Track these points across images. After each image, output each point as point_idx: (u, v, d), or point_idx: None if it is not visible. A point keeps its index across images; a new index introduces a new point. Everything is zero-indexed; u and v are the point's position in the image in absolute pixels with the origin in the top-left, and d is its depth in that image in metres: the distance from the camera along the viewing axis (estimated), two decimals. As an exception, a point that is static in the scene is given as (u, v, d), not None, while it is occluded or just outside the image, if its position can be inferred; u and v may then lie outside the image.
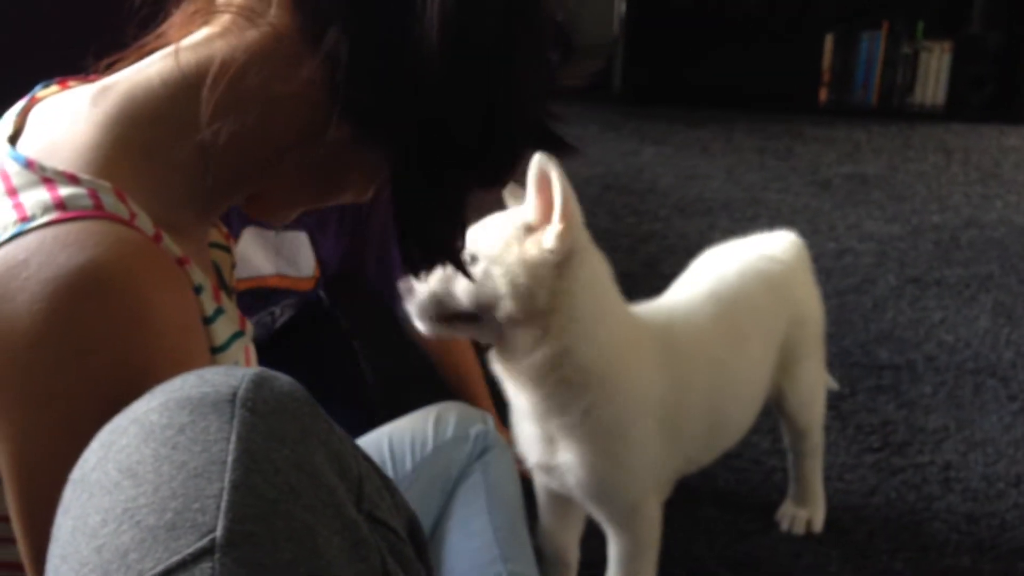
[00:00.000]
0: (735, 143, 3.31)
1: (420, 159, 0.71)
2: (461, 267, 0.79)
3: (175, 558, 0.45)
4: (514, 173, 0.78)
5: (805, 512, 1.49)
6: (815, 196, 2.86)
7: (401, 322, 1.45)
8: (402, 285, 1.08)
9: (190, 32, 0.72)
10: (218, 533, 0.46)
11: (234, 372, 0.53)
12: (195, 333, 0.68)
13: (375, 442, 1.24)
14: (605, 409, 1.12)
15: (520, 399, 1.15)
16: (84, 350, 0.60)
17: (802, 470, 1.49)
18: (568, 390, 1.11)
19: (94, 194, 0.64)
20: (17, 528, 0.64)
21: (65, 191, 0.64)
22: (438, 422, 1.28)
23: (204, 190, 0.72)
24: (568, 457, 1.15)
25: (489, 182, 0.77)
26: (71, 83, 0.77)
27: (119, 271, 0.62)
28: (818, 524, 1.48)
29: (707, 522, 1.50)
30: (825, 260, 2.42)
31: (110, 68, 0.74)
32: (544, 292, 1.08)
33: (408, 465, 1.23)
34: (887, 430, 1.74)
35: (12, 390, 0.61)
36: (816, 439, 1.47)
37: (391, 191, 0.73)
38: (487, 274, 1.07)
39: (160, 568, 0.45)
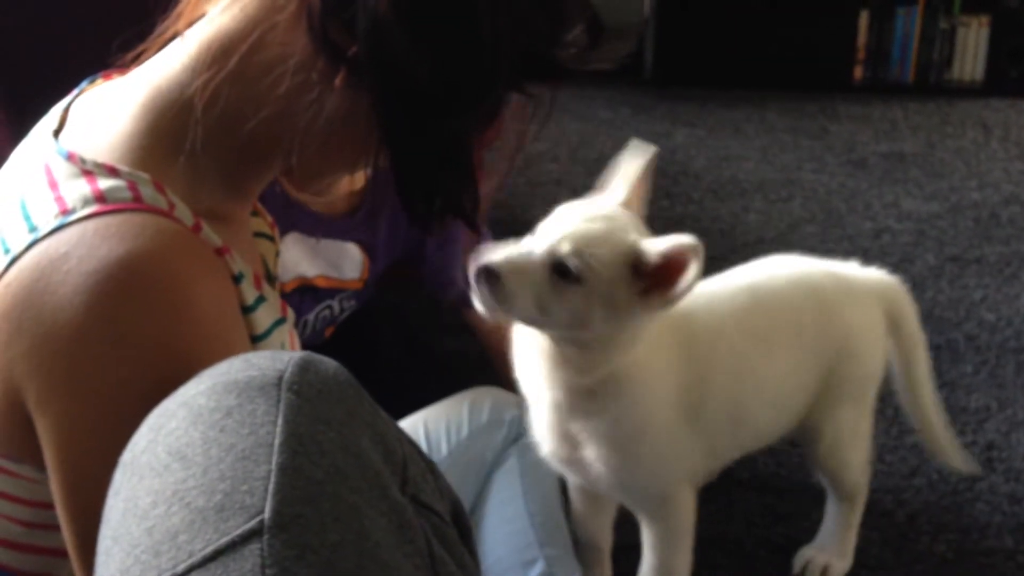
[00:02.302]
0: (768, 123, 3.27)
1: (397, 105, 0.69)
2: (469, 222, 0.76)
3: (224, 539, 0.46)
4: (501, 114, 0.75)
5: (824, 557, 1.35)
6: (851, 175, 2.82)
7: (457, 305, 1.45)
8: (476, 269, 1.01)
9: (203, 13, 0.73)
10: (266, 515, 0.46)
11: (280, 356, 0.53)
12: (234, 322, 0.69)
13: (411, 427, 1.25)
14: (630, 412, 1.10)
15: (542, 393, 1.12)
16: (125, 341, 0.62)
17: (837, 513, 1.36)
18: (598, 398, 1.08)
19: (133, 186, 0.66)
20: (62, 515, 0.64)
21: (105, 184, 0.65)
22: (473, 407, 1.28)
23: (232, 171, 0.73)
24: (590, 454, 1.12)
25: (476, 126, 0.75)
26: (114, 76, 0.79)
27: (158, 263, 0.63)
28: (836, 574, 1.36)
29: (745, 504, 1.49)
30: (862, 240, 2.39)
31: (138, 59, 0.75)
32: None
33: (444, 450, 1.23)
34: (928, 411, 1.71)
35: (56, 381, 0.62)
36: (851, 490, 1.35)
37: (382, 141, 0.71)
38: (588, 299, 1.00)
39: (210, 549, 0.45)
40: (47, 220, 0.64)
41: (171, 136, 0.69)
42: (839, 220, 2.52)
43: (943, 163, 2.89)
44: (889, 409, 1.71)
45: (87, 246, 0.62)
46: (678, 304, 1.01)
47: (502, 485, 1.23)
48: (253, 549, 0.45)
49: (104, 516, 0.51)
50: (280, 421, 0.49)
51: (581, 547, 1.27)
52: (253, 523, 0.46)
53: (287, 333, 0.80)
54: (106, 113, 0.71)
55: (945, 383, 1.79)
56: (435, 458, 1.20)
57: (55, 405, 0.62)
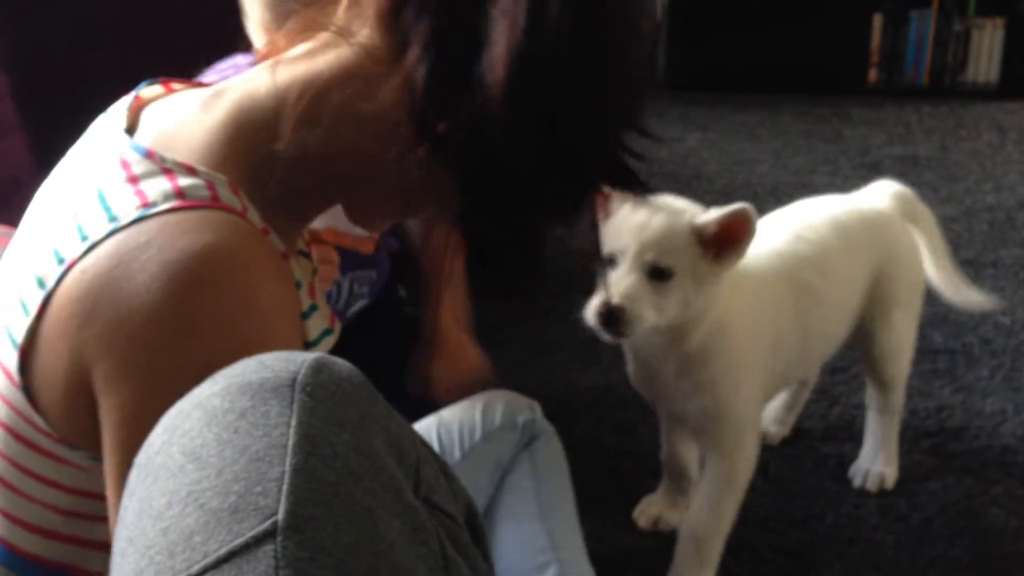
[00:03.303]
0: (782, 126, 3.26)
1: (485, 189, 0.73)
2: (529, 299, 0.82)
3: (238, 540, 0.46)
4: (585, 210, 0.79)
5: (879, 469, 1.53)
6: (865, 179, 2.77)
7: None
8: (600, 313, 1.16)
9: (294, 46, 0.76)
10: (280, 516, 0.46)
11: (294, 357, 0.54)
12: (295, 324, 0.72)
13: (424, 430, 1.25)
14: (727, 369, 1.25)
15: (650, 363, 1.28)
16: (197, 330, 0.64)
17: (879, 426, 1.54)
18: (698, 360, 1.24)
19: (211, 186, 0.68)
20: (112, 498, 0.66)
21: (184, 181, 0.68)
22: (486, 411, 1.28)
23: (297, 199, 0.76)
24: (693, 405, 1.27)
25: (558, 217, 0.79)
26: (175, 85, 0.81)
27: (234, 259, 0.65)
28: (890, 481, 1.53)
29: (758, 509, 1.48)
30: (876, 243, 2.38)
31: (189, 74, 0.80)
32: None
33: (457, 453, 1.23)
34: (943, 415, 1.70)
35: (127, 363, 0.64)
36: (898, 395, 1.53)
37: (460, 216, 0.76)
38: (683, 284, 1.17)
39: (224, 550, 0.46)
40: (128, 211, 0.66)
41: (247, 154, 0.72)
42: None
43: (958, 166, 2.88)
44: (904, 413, 1.70)
45: (167, 237, 0.64)
46: (742, 259, 1.19)
47: (516, 488, 1.23)
48: (267, 550, 0.45)
49: (119, 517, 0.52)
50: (293, 423, 0.49)
51: (670, 477, 1.45)
52: (267, 524, 0.46)
53: (329, 345, 0.81)
54: (182, 120, 0.74)
55: (961, 387, 1.79)
56: (449, 461, 1.20)
57: (123, 387, 0.64)
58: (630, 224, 1.17)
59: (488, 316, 1.90)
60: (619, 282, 1.15)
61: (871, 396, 1.55)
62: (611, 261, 1.19)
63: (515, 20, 0.67)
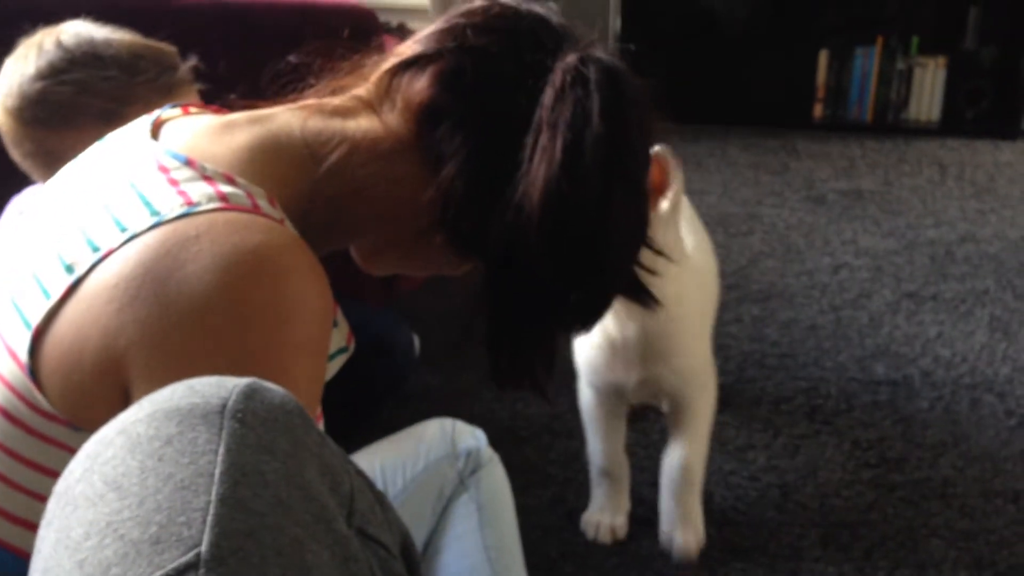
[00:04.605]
0: (729, 158, 3.31)
1: (510, 296, 0.80)
2: (541, 392, 0.87)
3: (158, 573, 0.44)
4: (600, 320, 0.87)
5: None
6: (810, 211, 2.85)
7: None
8: None
9: (324, 100, 0.82)
10: (203, 548, 0.45)
11: (225, 383, 0.52)
12: (330, 331, 0.74)
13: (366, 458, 1.23)
14: (683, 325, 1.39)
15: (616, 334, 1.37)
16: (246, 323, 0.65)
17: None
18: (659, 325, 1.36)
19: (250, 196, 0.71)
20: None
21: (225, 188, 0.70)
22: (430, 439, 1.27)
23: (316, 231, 0.78)
24: (663, 367, 1.40)
25: (577, 327, 0.87)
26: (192, 109, 0.85)
27: (284, 258, 0.67)
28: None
29: (708, 541, 1.48)
30: (821, 275, 2.42)
31: (244, 107, 0.83)
32: None
33: (399, 483, 1.21)
34: (884, 445, 1.72)
35: (169, 350, 0.64)
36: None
37: (484, 307, 0.82)
38: None
39: None
40: (171, 208, 0.67)
41: (271, 180, 0.75)
42: (798, 255, 2.54)
43: (900, 201, 2.94)
44: (846, 444, 1.72)
45: (218, 231, 0.65)
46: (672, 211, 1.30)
47: (458, 518, 1.21)
48: None
49: (36, 547, 0.50)
50: (222, 450, 0.48)
51: (607, 477, 1.50)
52: (189, 556, 0.44)
53: (342, 363, 0.83)
54: (206, 139, 0.76)
55: (901, 418, 1.81)
56: (390, 491, 1.19)
57: (161, 374, 0.62)
58: None
59: (435, 346, 1.88)
60: None
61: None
62: None
63: (553, 155, 0.74)
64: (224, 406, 0.50)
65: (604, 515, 1.50)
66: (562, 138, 0.75)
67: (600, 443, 1.49)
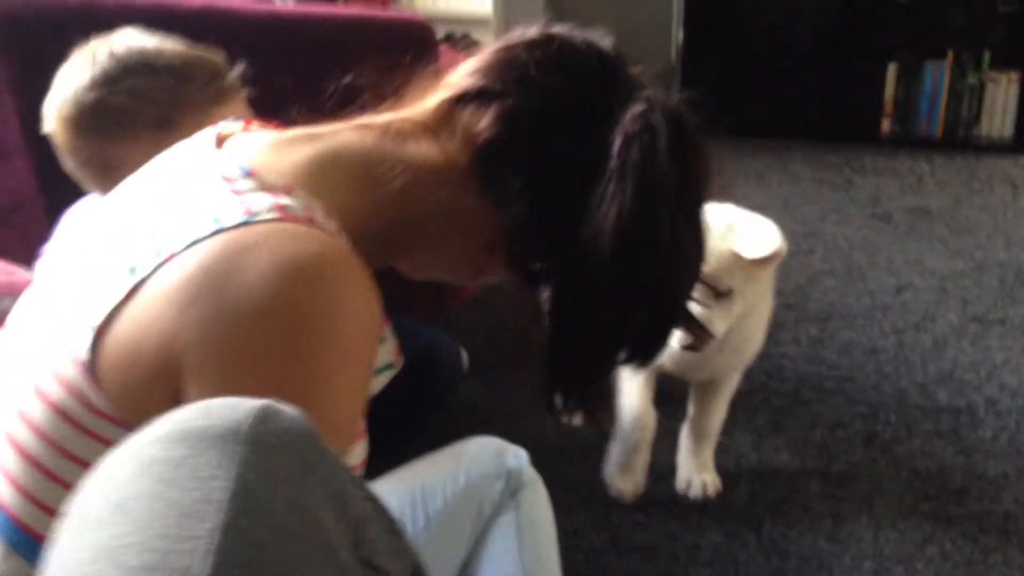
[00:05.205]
0: (792, 174, 3.24)
1: (573, 330, 0.82)
2: (596, 422, 0.97)
3: None
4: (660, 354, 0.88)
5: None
6: (875, 229, 2.78)
7: None
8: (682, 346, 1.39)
9: (384, 121, 0.83)
10: None
11: (240, 405, 0.51)
12: (374, 342, 0.75)
13: (408, 477, 1.22)
14: (760, 320, 1.58)
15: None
16: (298, 329, 0.66)
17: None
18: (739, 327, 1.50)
19: (308, 208, 0.73)
20: None
21: (284, 200, 0.72)
22: (472, 457, 1.25)
23: (368, 248, 0.79)
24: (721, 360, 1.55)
25: (640, 359, 0.86)
26: (253, 124, 0.87)
27: (338, 270, 0.69)
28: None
29: (749, 567, 1.45)
30: (883, 296, 2.35)
31: (304, 124, 0.84)
32: None
33: (440, 501, 1.20)
34: (944, 476, 1.66)
35: (224, 352, 0.65)
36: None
37: (546, 340, 0.84)
38: (740, 295, 1.42)
39: None
40: (233, 217, 0.69)
41: (331, 193, 0.77)
42: (861, 274, 2.48)
43: (969, 220, 2.85)
44: (904, 474, 1.67)
45: (277, 240, 0.67)
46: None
47: (498, 539, 1.20)
48: None
49: (44, 567, 0.49)
50: (230, 476, 0.47)
51: (636, 446, 1.57)
52: None
53: (388, 379, 0.84)
54: (269, 153, 0.78)
55: (963, 448, 1.75)
56: (430, 509, 1.17)
57: (216, 376, 0.64)
58: None
59: (484, 360, 1.87)
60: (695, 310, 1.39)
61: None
62: None
63: (624, 201, 0.76)
64: (237, 429, 0.49)
65: (628, 475, 1.59)
66: (632, 184, 0.77)
67: (635, 399, 1.56)
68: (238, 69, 1.20)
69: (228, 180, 0.74)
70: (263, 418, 0.50)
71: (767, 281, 1.52)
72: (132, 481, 0.48)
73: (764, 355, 2.05)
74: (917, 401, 1.89)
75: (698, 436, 1.63)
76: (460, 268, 0.91)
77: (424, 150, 0.82)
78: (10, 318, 0.81)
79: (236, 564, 0.45)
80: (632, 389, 1.57)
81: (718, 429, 1.64)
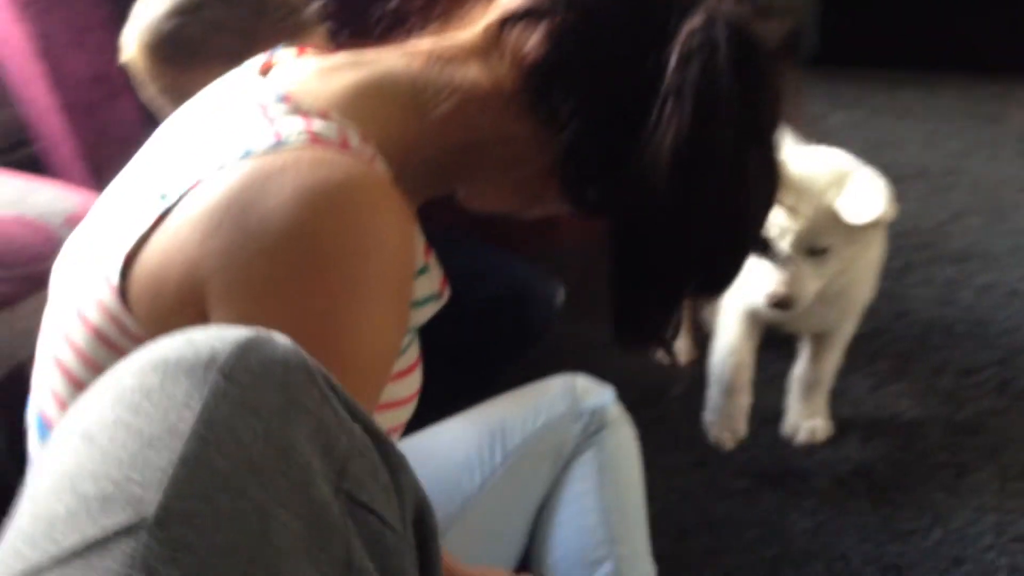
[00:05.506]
0: (939, 106, 3.03)
1: (637, 258, 0.78)
2: (668, 351, 0.84)
3: (98, 534, 0.41)
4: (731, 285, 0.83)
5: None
6: (1026, 166, 2.57)
7: None
8: (770, 303, 1.33)
9: (430, 45, 0.80)
10: (152, 510, 0.41)
11: (225, 334, 0.49)
12: (412, 274, 0.73)
13: (488, 413, 1.20)
14: (865, 278, 1.46)
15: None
16: (323, 257, 0.64)
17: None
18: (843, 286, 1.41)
19: (343, 131, 0.70)
20: None
21: (318, 124, 0.69)
22: (555, 395, 1.22)
23: (410, 179, 0.76)
24: (822, 315, 1.45)
25: (709, 291, 0.84)
26: (309, 51, 0.85)
27: (368, 195, 0.66)
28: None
29: (859, 517, 1.37)
30: (1026, 237, 2.17)
31: (351, 47, 0.82)
32: None
33: (517, 438, 1.17)
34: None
35: (247, 277, 0.64)
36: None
37: (608, 276, 0.80)
38: (836, 253, 1.31)
39: (79, 543, 0.41)
40: (262, 142, 0.67)
41: (375, 120, 0.74)
42: (1006, 213, 2.29)
43: None
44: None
45: (304, 166, 0.65)
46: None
47: (578, 477, 1.16)
48: (125, 547, 0.40)
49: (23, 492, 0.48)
50: (199, 407, 0.45)
51: (733, 393, 1.48)
52: (134, 518, 0.41)
53: (434, 311, 0.82)
54: (314, 78, 0.77)
55: (1110, 397, 1.59)
56: (509, 446, 1.15)
57: (239, 303, 0.63)
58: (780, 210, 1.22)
59: (585, 296, 1.82)
60: (782, 271, 1.29)
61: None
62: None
63: (682, 121, 0.71)
64: (215, 358, 0.47)
65: (726, 421, 1.49)
66: (691, 103, 0.72)
67: (737, 341, 1.48)
68: (317, 2, 1.19)
69: (263, 106, 0.72)
70: (247, 348, 0.48)
71: (872, 240, 1.39)
72: (104, 409, 0.47)
73: (891, 296, 1.94)
74: (1056, 350, 1.74)
75: (808, 384, 1.53)
76: (515, 197, 0.86)
77: (472, 74, 0.78)
78: (65, 245, 0.82)
79: (191, 496, 0.42)
80: (727, 328, 1.49)
81: (831, 377, 1.54)
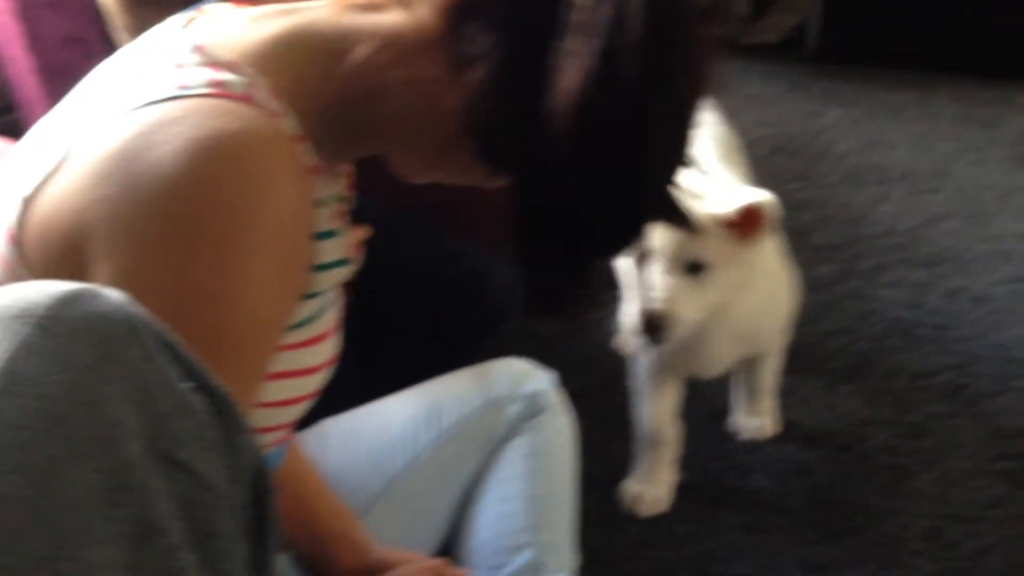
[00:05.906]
0: (933, 109, 3.01)
1: (539, 216, 0.76)
2: (574, 320, 0.84)
3: None
4: (634, 245, 0.81)
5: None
6: (1012, 171, 2.56)
7: None
8: (643, 322, 1.22)
9: None
10: None
11: (49, 288, 0.49)
12: (303, 234, 0.71)
13: (429, 391, 1.21)
14: (779, 316, 1.42)
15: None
16: (208, 210, 0.63)
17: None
18: (749, 323, 1.35)
19: (251, 85, 0.69)
20: None
21: (225, 75, 0.69)
22: (493, 377, 1.23)
23: (329, 134, 0.76)
24: (730, 357, 1.39)
25: (610, 251, 0.83)
26: (244, 3, 0.84)
27: (260, 150, 0.66)
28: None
29: (793, 516, 1.38)
30: (1007, 242, 2.17)
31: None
32: None
33: (453, 418, 1.18)
34: (1031, 436, 1.54)
35: (130, 229, 0.63)
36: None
37: (512, 233, 0.78)
38: (719, 270, 1.21)
39: None
40: (164, 90, 0.67)
41: (295, 75, 0.73)
42: (984, 219, 2.29)
43: None
44: (984, 430, 1.54)
45: (200, 115, 0.64)
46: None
47: (506, 463, 1.17)
48: None
49: None
50: (5, 359, 0.46)
51: (654, 447, 1.41)
52: None
53: (343, 276, 0.81)
54: (234, 28, 0.75)
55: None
56: (444, 424, 1.16)
57: (121, 256, 0.63)
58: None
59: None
60: (656, 287, 1.19)
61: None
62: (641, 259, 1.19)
63: (585, 62, 0.69)
64: (30, 311, 0.47)
65: (645, 486, 1.41)
66: (598, 42, 0.69)
67: (652, 407, 1.40)
68: None
69: (176, 56, 0.71)
70: (67, 301, 0.49)
71: (760, 265, 1.28)
72: None
73: (858, 296, 1.95)
74: (1017, 355, 1.75)
75: (751, 389, 1.52)
76: (435, 160, 0.82)
77: (392, 19, 0.76)
78: None
79: None
80: (649, 392, 1.41)
81: (773, 383, 1.53)
